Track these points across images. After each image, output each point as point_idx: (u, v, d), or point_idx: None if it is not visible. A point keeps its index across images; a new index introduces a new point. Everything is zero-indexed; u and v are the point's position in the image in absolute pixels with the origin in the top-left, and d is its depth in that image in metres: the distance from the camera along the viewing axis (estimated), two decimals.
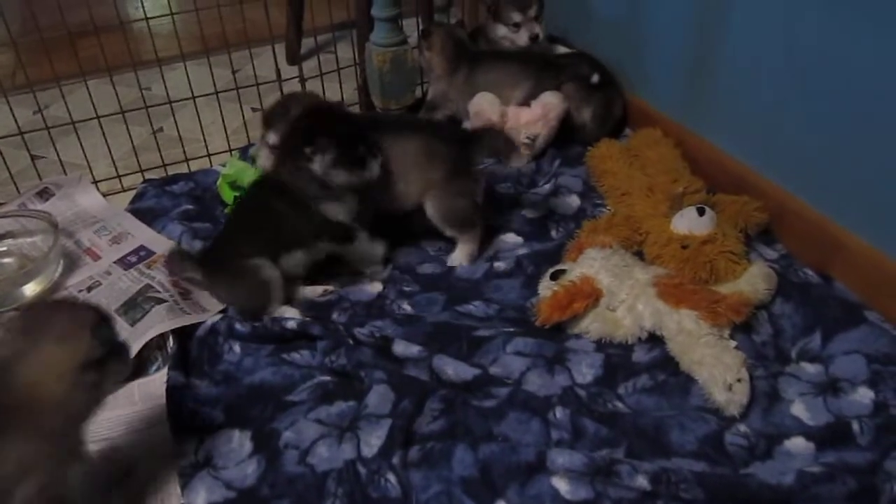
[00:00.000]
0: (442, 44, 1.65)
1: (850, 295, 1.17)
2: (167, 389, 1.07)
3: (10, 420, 0.69)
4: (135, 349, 1.12)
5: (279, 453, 0.99)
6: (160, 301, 1.21)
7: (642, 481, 0.90)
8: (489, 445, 0.95)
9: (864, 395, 1.01)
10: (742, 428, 0.99)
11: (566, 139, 1.63)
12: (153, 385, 1.11)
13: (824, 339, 1.10)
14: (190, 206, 1.50)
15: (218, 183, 1.52)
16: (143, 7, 1.52)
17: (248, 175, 1.44)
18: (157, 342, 1.15)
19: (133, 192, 1.57)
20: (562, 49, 1.76)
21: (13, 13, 2.25)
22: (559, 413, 1.01)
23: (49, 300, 0.94)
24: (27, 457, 0.70)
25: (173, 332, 1.15)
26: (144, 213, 1.48)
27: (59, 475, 0.72)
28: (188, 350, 1.16)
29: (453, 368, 1.08)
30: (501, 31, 1.71)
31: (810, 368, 1.07)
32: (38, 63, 1.58)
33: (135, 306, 1.21)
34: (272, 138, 1.33)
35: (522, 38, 1.67)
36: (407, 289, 1.29)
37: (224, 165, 1.53)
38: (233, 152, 1.67)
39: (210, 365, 1.14)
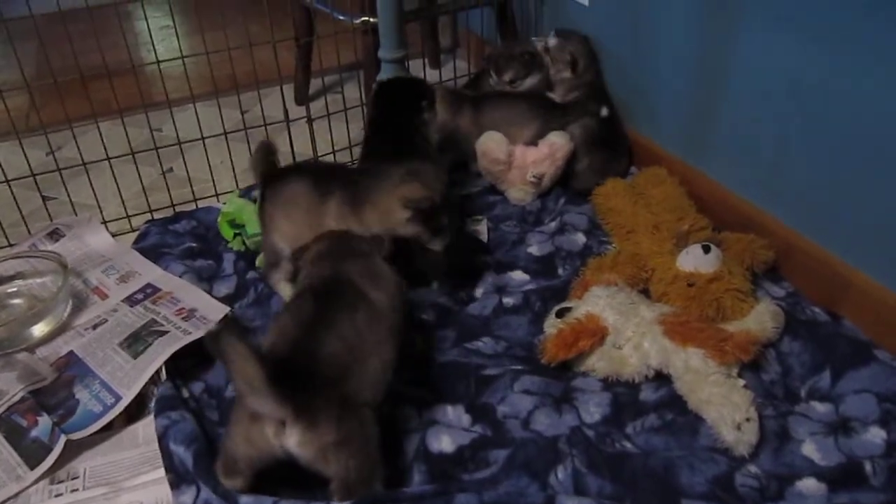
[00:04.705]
0: (441, 95, 1.64)
1: (859, 333, 1.17)
2: (158, 440, 1.04)
3: None
4: (139, 385, 1.12)
5: None
6: (163, 333, 1.21)
7: None
8: (494, 490, 0.94)
9: (876, 435, 1.00)
10: (753, 469, 0.98)
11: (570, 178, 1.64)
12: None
13: (834, 377, 1.09)
14: (193, 244, 1.51)
15: (218, 220, 1.53)
16: (154, 50, 1.55)
17: (247, 212, 1.45)
18: (156, 378, 1.14)
19: None
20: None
21: (29, 57, 2.31)
22: (560, 474, 0.98)
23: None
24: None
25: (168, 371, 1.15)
26: (148, 252, 1.48)
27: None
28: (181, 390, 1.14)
29: (449, 436, 1.05)
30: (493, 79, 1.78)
31: (820, 408, 1.06)
32: (51, 105, 1.61)
33: (138, 339, 1.21)
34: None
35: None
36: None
37: (224, 203, 1.54)
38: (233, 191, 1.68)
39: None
